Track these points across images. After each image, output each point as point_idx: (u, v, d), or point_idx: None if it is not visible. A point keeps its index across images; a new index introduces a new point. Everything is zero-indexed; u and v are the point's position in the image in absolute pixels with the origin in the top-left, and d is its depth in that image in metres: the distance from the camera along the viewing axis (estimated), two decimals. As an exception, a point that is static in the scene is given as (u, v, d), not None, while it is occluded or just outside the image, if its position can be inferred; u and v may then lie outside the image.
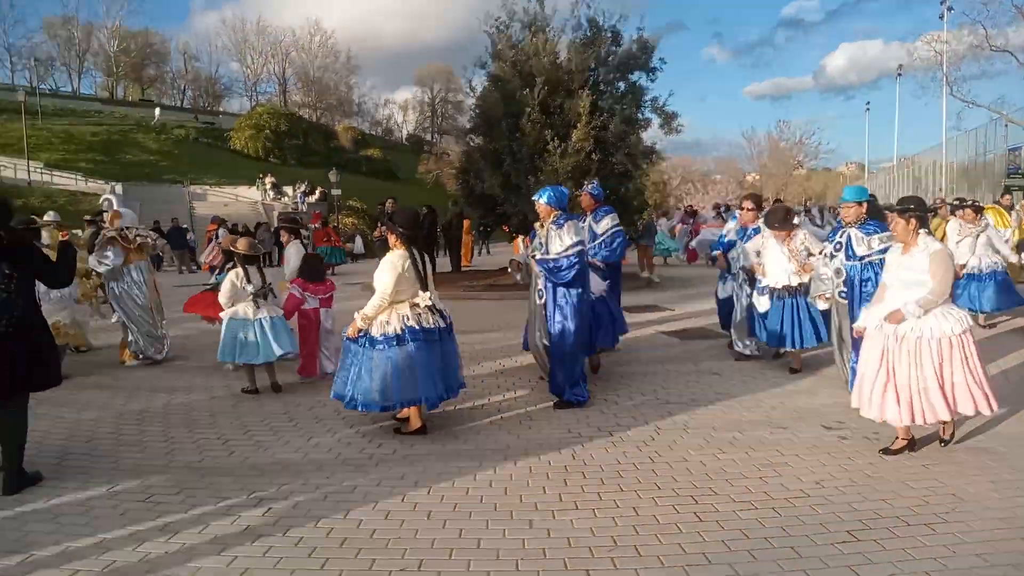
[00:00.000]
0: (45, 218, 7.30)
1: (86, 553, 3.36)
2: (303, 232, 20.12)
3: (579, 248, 5.56)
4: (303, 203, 33.63)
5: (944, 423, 4.47)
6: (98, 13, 67.51)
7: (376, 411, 5.02)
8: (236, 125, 50.66)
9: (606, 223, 7.12)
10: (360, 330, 4.86)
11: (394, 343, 4.82)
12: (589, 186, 7.66)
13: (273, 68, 70.27)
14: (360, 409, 4.96)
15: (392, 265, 4.84)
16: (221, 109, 68.93)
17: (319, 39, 69.22)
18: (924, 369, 4.26)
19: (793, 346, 6.52)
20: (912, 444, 4.51)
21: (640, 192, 14.88)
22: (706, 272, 16.68)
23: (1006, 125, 27.59)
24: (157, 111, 52.85)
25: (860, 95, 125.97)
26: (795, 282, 6.43)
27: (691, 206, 26.21)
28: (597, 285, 6.38)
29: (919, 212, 4.39)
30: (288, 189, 36.41)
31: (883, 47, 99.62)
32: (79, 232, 8.48)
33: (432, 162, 45.25)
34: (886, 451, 4.48)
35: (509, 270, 5.83)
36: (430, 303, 5.00)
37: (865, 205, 5.40)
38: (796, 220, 6.86)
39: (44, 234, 7.49)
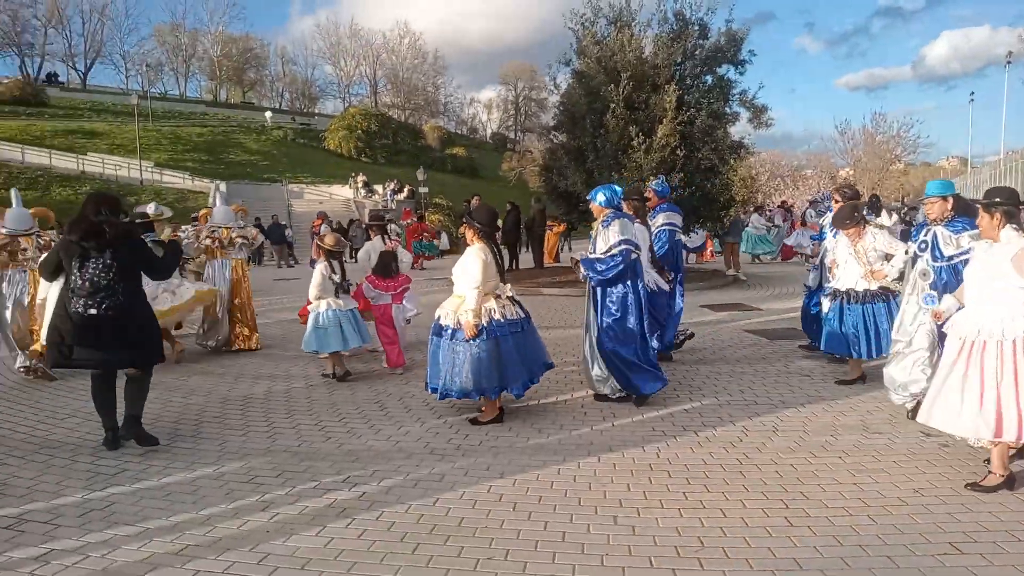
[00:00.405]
0: (149, 209, 7.82)
1: (194, 527, 3.62)
2: (393, 228, 20.77)
3: (622, 247, 5.48)
4: (392, 201, 34.53)
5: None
6: (203, 20, 71.68)
7: (475, 399, 5.28)
8: (330, 126, 52.57)
9: (659, 220, 7.21)
10: (477, 327, 5.00)
11: (483, 335, 5.02)
12: (654, 182, 7.65)
13: (365, 70, 72.58)
14: (456, 398, 5.21)
15: (478, 258, 5.02)
16: (316, 111, 71.71)
17: (408, 41, 71.00)
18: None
19: (852, 355, 6.02)
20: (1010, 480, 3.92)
21: (727, 188, 14.53)
22: (796, 270, 16.17)
23: None
24: (268, 115, 55.82)
25: (963, 85, 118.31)
26: (861, 287, 5.91)
27: (785, 201, 25.26)
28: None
29: (1006, 205, 3.94)
30: (378, 187, 37.45)
31: (990, 33, 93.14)
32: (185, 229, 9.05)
33: (515, 160, 45.54)
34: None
35: (572, 268, 5.86)
36: (511, 294, 5.27)
37: (951, 200, 4.89)
38: (888, 219, 6.46)
39: (159, 228, 8.03)
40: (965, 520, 3.52)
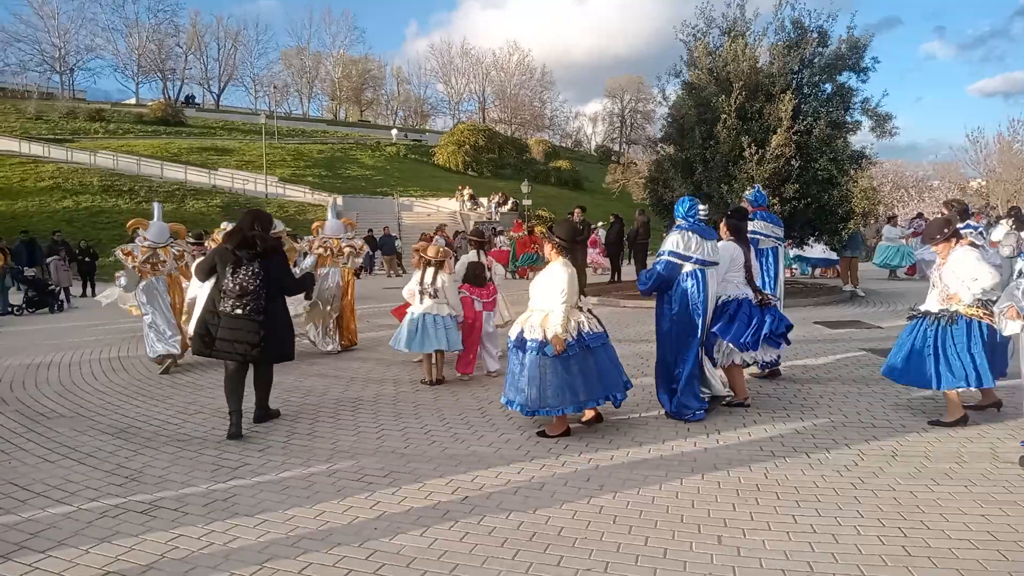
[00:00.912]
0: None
1: (307, 520, 3.84)
2: (502, 239, 21.05)
3: (664, 259, 5.64)
4: (496, 213, 35.15)
5: None
6: (326, 43, 75.89)
7: (556, 415, 5.16)
8: (439, 141, 54.36)
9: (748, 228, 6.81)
10: (566, 342, 5.01)
11: (575, 348, 5.04)
12: (749, 192, 7.42)
13: (474, 87, 74.66)
14: (538, 415, 5.15)
15: (564, 271, 5.03)
16: (427, 127, 74.29)
17: (517, 58, 72.46)
18: None
19: (913, 384, 5.49)
20: None
21: (846, 199, 13.82)
22: (920, 286, 15.12)
23: None
24: (394, 133, 58.89)
25: None
26: (936, 308, 5.39)
27: (921, 213, 23.68)
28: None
29: None
30: (483, 200, 38.24)
31: None
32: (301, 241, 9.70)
33: (619, 172, 45.24)
34: None
35: None
36: (590, 307, 5.34)
37: None
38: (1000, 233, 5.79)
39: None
40: (1114, 563, 3.20)
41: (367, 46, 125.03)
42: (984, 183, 41.97)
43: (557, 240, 5.22)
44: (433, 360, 7.01)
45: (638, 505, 3.99)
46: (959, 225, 6.00)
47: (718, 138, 12.85)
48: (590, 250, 18.14)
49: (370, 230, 25.61)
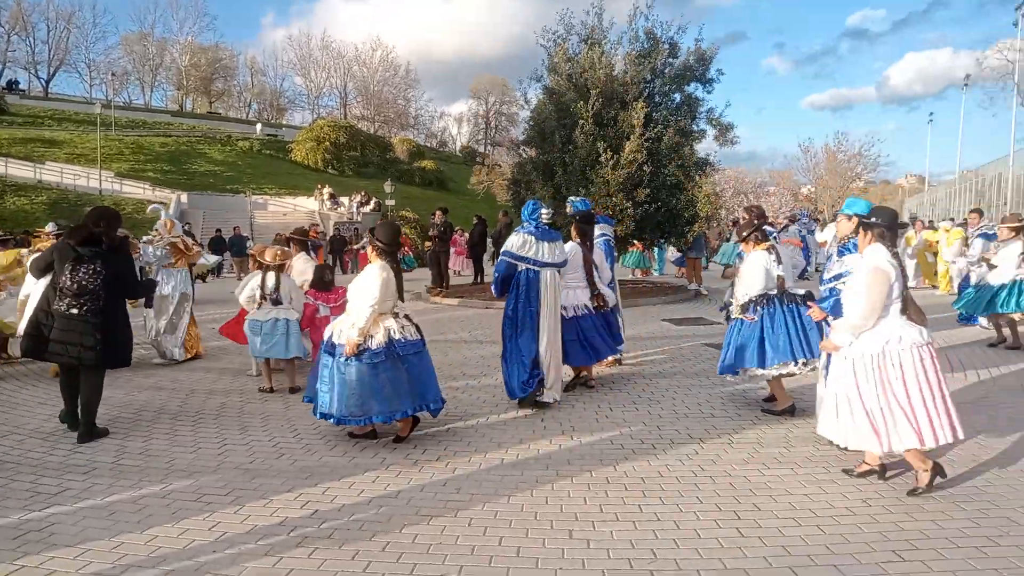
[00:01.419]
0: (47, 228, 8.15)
1: (137, 548, 3.52)
2: (364, 241, 20.44)
3: (502, 260, 5.98)
4: (358, 213, 34.34)
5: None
6: (172, 29, 70.84)
7: (354, 425, 4.97)
8: (297, 137, 52.19)
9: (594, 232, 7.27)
10: (359, 345, 4.81)
11: (382, 356, 4.84)
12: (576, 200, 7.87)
13: (335, 82, 72.36)
14: (336, 423, 4.94)
15: (379, 275, 4.87)
16: (284, 122, 71.25)
17: (380, 54, 71.07)
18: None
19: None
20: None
21: (692, 204, 14.73)
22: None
23: (1083, 136, 26.29)
24: (258, 127, 55.72)
25: (924, 106, 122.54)
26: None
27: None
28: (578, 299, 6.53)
29: (882, 226, 4.06)
30: (344, 199, 37.24)
31: (951, 56, 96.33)
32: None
33: (484, 173, 45.66)
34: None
35: None
36: (408, 313, 5.20)
37: (855, 220, 4.69)
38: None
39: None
40: (909, 529, 3.59)
41: (218, 34, 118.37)
42: (813, 189, 46.44)
43: (379, 243, 5.04)
44: (271, 366, 6.78)
45: (493, 506, 4.00)
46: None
47: (576, 143, 13.27)
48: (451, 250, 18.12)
49: (218, 230, 24.18)
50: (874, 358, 3.99)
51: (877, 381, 3.98)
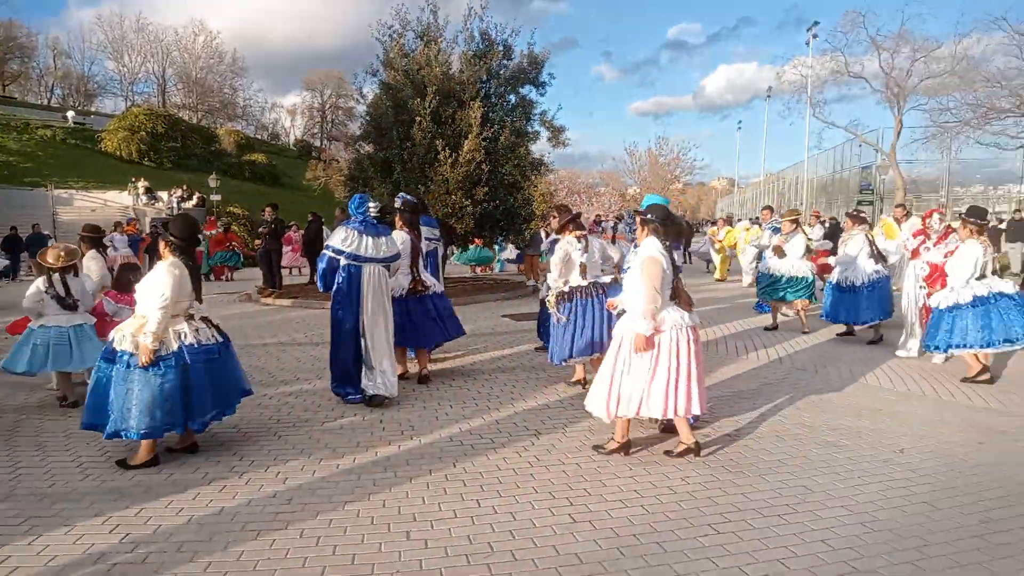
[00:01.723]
0: None
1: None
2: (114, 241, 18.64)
3: (325, 254, 5.97)
4: (179, 208, 31.88)
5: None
6: (-48, 0, 61.80)
7: (139, 439, 4.47)
8: (109, 127, 47.34)
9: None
10: (155, 352, 4.40)
11: (171, 363, 4.46)
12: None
13: (152, 67, 66.51)
14: (126, 437, 4.47)
15: (169, 273, 4.48)
16: (93, 109, 64.47)
17: (203, 39, 66.20)
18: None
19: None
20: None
21: (528, 202, 15.16)
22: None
23: (860, 145, 30.11)
24: (70, 115, 49.23)
25: (735, 114, 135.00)
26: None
27: (600, 215, 26.92)
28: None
29: (655, 221, 4.61)
30: (163, 194, 34.39)
31: (757, 70, 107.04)
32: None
33: (320, 168, 44.12)
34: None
35: None
36: (205, 314, 4.86)
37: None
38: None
39: None
40: (722, 503, 3.92)
41: (12, 9, 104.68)
42: (639, 190, 49.61)
43: (171, 238, 4.62)
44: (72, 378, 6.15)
45: (328, 514, 3.86)
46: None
47: (415, 139, 13.18)
48: (285, 248, 17.35)
49: (13, 228, 21.45)
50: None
51: (641, 355, 4.45)
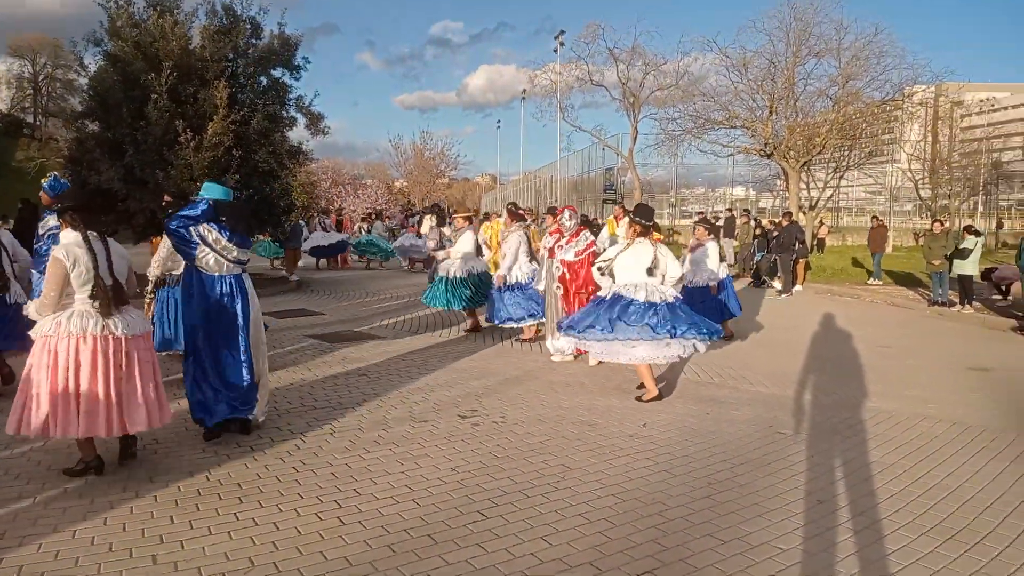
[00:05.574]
0: None
1: None
2: None
3: None
4: None
5: None
6: None
7: None
8: None
9: (50, 223, 6.85)
10: None
11: None
12: (45, 181, 7.60)
13: None
14: None
15: None
16: None
17: None
18: None
19: None
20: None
21: (287, 192, 14.40)
22: (361, 274, 17.13)
23: (603, 149, 33.01)
24: None
25: (496, 113, 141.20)
26: None
27: (410, 208, 26.49)
28: None
29: (435, 212, 4.82)
30: None
31: (515, 72, 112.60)
32: None
33: (35, 148, 38.03)
34: None
35: None
36: None
37: None
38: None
39: None
40: (490, 488, 4.04)
41: None
42: (406, 183, 49.77)
43: None
44: None
45: (54, 545, 3.31)
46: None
47: (150, 119, 11.82)
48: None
49: None
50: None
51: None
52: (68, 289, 4.03)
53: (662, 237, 7.13)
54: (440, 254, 9.62)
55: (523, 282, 8.41)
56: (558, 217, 7.85)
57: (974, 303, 12.52)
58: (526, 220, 9.37)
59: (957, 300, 12.58)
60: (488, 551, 3.30)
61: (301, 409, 5.62)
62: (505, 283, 8.45)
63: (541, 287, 8.09)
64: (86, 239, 4.11)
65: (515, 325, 8.50)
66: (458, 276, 8.98)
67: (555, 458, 4.55)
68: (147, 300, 6.35)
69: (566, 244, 7.50)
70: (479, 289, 9.01)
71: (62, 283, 3.99)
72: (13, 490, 3.96)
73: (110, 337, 4.06)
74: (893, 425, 5.51)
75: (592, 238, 7.63)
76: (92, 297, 4.04)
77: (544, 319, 8.11)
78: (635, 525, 3.61)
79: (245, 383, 4.88)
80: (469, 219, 10.00)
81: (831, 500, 4.01)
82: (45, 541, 3.35)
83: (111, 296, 4.10)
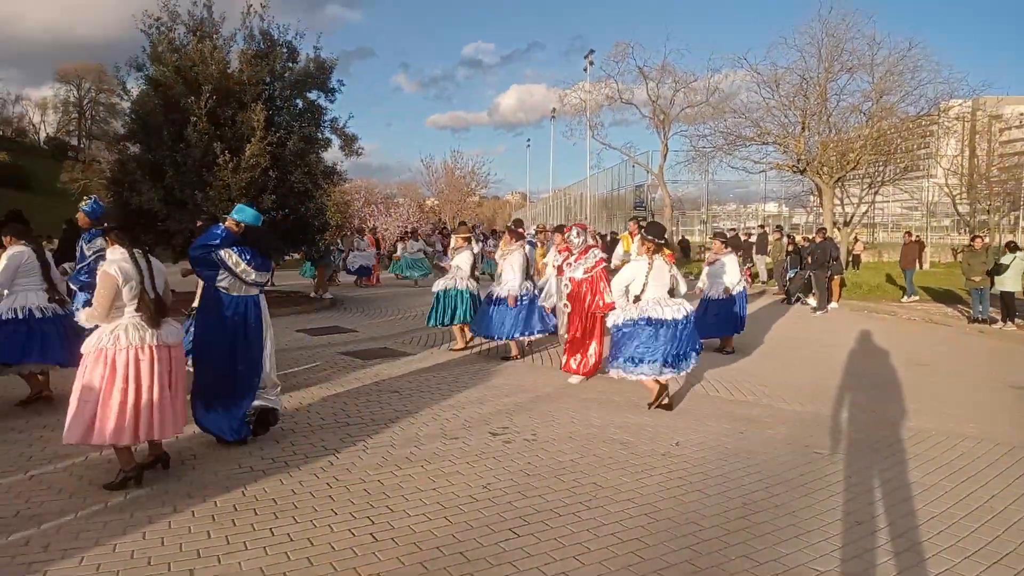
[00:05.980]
0: None
1: None
2: None
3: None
4: None
5: None
6: None
7: None
8: None
9: (97, 243, 7.04)
10: None
11: None
12: (84, 204, 7.81)
13: None
14: None
15: None
16: None
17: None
18: None
19: None
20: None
21: (321, 212, 14.62)
22: (394, 291, 17.26)
23: (633, 166, 32.99)
24: None
25: (526, 132, 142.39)
26: None
27: (443, 226, 26.77)
28: None
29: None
30: None
31: (545, 91, 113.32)
32: None
33: (79, 170, 39.21)
34: None
35: None
36: None
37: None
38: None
39: None
40: (521, 505, 4.04)
41: None
42: (436, 202, 50.32)
43: None
44: None
45: (96, 558, 3.39)
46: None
47: (190, 141, 12.14)
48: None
49: None
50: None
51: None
52: (118, 302, 4.28)
53: (674, 255, 7.22)
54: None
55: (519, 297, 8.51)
56: (565, 235, 7.83)
57: (1016, 320, 12.19)
58: (526, 238, 9.52)
59: (999, 317, 12.26)
60: (520, 569, 3.30)
61: (335, 425, 5.68)
62: (518, 301, 8.46)
63: (548, 304, 8.14)
64: (132, 256, 4.36)
65: (519, 338, 8.56)
66: (450, 292, 9.22)
67: (587, 476, 4.53)
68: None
69: (575, 262, 7.48)
70: (466, 306, 9.17)
71: (113, 296, 4.23)
72: (56, 504, 4.07)
73: (162, 347, 4.36)
74: (933, 444, 5.39)
75: (601, 255, 7.57)
76: (138, 310, 4.29)
77: (530, 336, 8.54)
78: (668, 545, 3.57)
79: (253, 393, 5.16)
80: (468, 239, 9.97)
81: (870, 521, 3.93)
82: (87, 554, 3.43)
83: (155, 308, 4.34)
